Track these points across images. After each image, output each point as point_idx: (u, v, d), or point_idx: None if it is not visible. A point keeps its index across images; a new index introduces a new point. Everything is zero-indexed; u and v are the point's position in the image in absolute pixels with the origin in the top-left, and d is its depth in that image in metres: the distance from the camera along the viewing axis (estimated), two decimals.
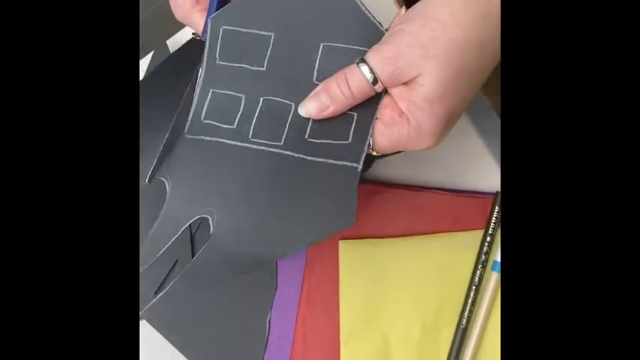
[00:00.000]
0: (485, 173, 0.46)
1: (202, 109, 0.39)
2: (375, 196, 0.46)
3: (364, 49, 0.36)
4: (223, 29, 0.39)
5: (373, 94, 0.35)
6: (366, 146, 0.36)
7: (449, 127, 0.35)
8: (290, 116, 0.38)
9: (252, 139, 0.38)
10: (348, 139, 0.37)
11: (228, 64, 0.39)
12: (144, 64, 0.51)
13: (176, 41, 0.52)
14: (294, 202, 0.37)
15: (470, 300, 0.44)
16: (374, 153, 0.37)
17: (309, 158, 0.37)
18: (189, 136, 0.39)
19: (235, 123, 0.39)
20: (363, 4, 0.37)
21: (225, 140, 0.38)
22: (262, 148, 0.38)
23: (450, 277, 0.45)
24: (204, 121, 0.39)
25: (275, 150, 0.37)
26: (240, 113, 0.39)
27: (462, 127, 0.47)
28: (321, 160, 0.37)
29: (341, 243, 0.46)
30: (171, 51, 0.50)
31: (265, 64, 0.39)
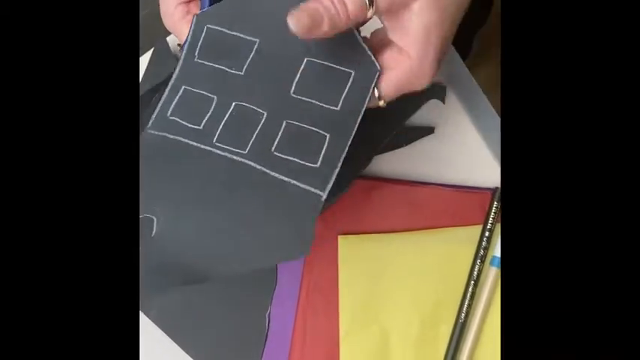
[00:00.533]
0: (483, 169, 0.46)
1: (170, 105, 0.38)
2: (374, 192, 0.46)
3: (349, 70, 0.36)
4: (207, 28, 0.38)
5: (365, 19, 0.33)
6: (334, 175, 0.34)
7: (443, 57, 0.35)
8: (259, 126, 0.36)
9: (217, 144, 0.36)
10: (316, 163, 0.35)
11: (206, 63, 0.38)
12: (143, 61, 0.51)
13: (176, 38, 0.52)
14: (247, 219, 0.34)
15: (468, 295, 0.44)
16: (381, 103, 0.35)
17: (272, 174, 0.35)
18: (152, 132, 0.38)
19: (202, 124, 0.37)
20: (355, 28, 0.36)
21: (187, 141, 0.37)
22: (225, 154, 0.36)
23: (449, 272, 0.45)
24: (170, 117, 0.38)
25: (237, 158, 0.35)
26: (208, 115, 0.37)
27: (461, 122, 0.47)
28: (284, 178, 0.35)
29: (340, 238, 0.46)
30: (171, 47, 0.50)
31: (244, 69, 0.37)
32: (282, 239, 0.34)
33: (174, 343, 0.46)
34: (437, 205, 0.46)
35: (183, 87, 0.38)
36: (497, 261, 0.44)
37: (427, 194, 0.46)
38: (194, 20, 0.38)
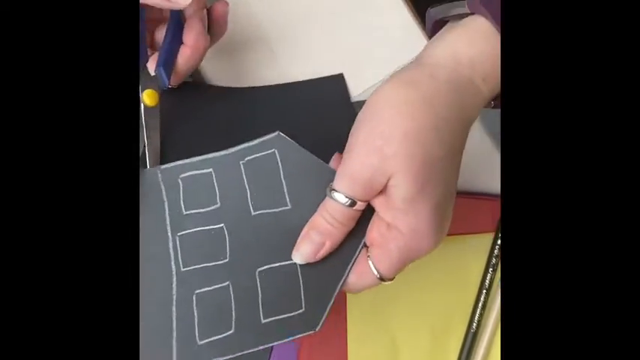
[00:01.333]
0: (495, 175, 0.46)
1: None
2: None
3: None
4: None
5: (359, 214, 0.34)
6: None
7: (445, 219, 0.33)
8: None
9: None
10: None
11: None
12: None
13: None
14: None
15: (480, 304, 0.43)
16: (386, 282, 0.35)
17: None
18: None
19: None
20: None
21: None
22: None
23: (460, 280, 0.44)
24: None
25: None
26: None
27: (473, 128, 0.46)
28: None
29: None
30: None
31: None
32: None
33: None
34: None
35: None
36: None
37: None
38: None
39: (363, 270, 0.34)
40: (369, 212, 0.34)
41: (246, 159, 0.38)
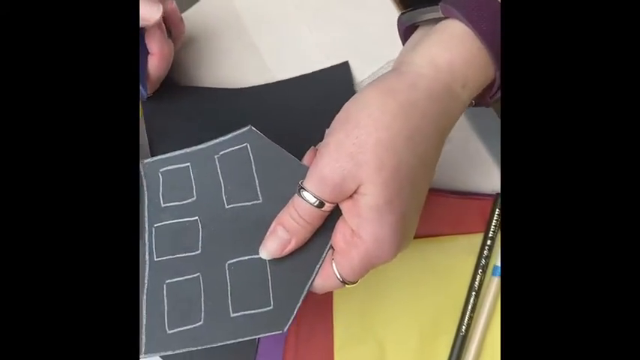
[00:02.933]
0: (485, 174, 0.45)
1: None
2: None
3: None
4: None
5: (327, 214, 0.34)
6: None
7: (410, 229, 0.33)
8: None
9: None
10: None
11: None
12: None
13: None
14: None
15: (470, 306, 0.42)
16: (348, 286, 0.35)
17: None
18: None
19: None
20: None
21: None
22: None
23: (449, 282, 0.43)
24: None
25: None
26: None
27: (462, 127, 0.45)
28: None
29: None
30: None
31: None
32: None
33: None
34: (438, 212, 0.44)
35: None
36: (499, 270, 0.42)
37: (428, 201, 0.44)
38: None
39: (328, 272, 0.35)
40: (337, 212, 0.34)
41: (220, 153, 0.38)
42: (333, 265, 0.34)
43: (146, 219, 0.37)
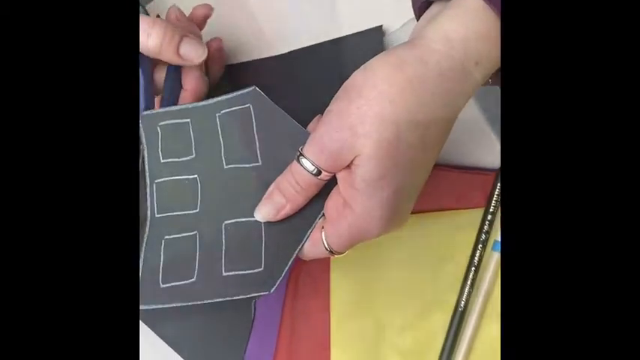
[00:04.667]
0: (487, 149, 0.44)
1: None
2: None
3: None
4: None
5: (323, 183, 0.33)
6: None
7: (403, 209, 0.33)
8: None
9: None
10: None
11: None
12: None
13: (155, 6, 0.48)
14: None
15: (469, 282, 0.42)
16: (334, 255, 0.35)
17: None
18: None
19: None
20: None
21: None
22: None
23: (449, 257, 0.42)
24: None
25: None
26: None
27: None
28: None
29: None
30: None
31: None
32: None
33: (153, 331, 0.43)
34: (436, 187, 0.43)
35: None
36: (500, 246, 0.42)
37: (430, 175, 0.43)
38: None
39: (316, 239, 0.35)
40: (334, 181, 0.33)
41: (222, 112, 0.37)
42: (322, 233, 0.34)
43: (147, 174, 0.37)
